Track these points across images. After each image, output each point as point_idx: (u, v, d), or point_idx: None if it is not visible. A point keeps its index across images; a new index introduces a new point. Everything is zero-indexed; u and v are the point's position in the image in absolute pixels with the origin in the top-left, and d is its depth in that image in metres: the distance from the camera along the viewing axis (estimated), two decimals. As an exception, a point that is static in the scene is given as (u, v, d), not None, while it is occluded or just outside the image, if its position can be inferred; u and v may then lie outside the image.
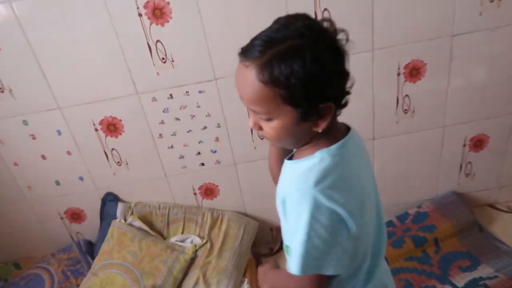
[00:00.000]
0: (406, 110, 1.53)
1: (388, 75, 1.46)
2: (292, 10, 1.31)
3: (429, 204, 1.72)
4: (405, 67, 1.44)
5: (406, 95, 1.50)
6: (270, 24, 0.68)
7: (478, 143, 1.64)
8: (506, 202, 1.79)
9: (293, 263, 0.72)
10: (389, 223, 1.69)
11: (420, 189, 1.73)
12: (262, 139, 0.74)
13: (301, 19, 0.66)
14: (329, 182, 0.68)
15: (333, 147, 0.71)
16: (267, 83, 0.64)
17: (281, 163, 0.82)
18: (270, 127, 0.70)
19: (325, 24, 0.67)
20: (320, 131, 0.70)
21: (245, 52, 0.66)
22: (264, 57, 0.64)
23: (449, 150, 1.64)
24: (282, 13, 1.31)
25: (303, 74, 0.63)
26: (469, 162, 1.69)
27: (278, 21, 0.68)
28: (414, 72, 1.46)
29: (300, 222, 0.68)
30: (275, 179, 0.85)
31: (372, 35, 1.37)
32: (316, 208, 0.67)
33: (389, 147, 1.60)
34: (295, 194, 0.71)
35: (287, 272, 0.75)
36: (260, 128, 0.72)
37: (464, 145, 1.64)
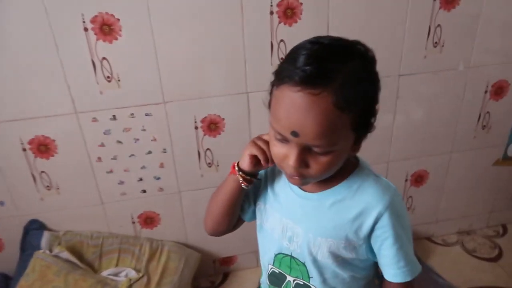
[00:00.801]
0: (354, 144, 1.55)
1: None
2: (248, 37, 1.30)
3: (372, 237, 1.74)
4: (355, 102, 1.47)
5: (355, 130, 1.53)
6: (321, 42, 0.62)
7: (419, 179, 1.71)
8: (442, 236, 1.88)
9: (410, 266, 0.73)
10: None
11: (364, 222, 1.75)
12: (301, 178, 0.65)
13: (355, 42, 0.64)
14: None
15: (362, 164, 0.75)
16: (344, 109, 0.59)
17: (235, 202, 0.80)
18: (325, 162, 0.64)
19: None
20: (354, 154, 0.71)
21: (312, 79, 0.58)
22: (339, 79, 0.59)
23: (392, 185, 1.69)
24: (239, 38, 1.29)
25: (373, 94, 0.64)
26: (410, 197, 1.75)
27: (333, 41, 0.63)
28: (363, 107, 1.49)
29: (405, 224, 0.72)
30: (214, 215, 0.83)
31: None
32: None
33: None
34: (395, 200, 0.71)
35: None
36: (307, 166, 0.65)
37: (406, 180, 1.70)
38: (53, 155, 1.37)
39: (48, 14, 1.16)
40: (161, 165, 1.46)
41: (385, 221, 0.70)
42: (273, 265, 0.82)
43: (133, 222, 1.57)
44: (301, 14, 1.28)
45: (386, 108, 1.51)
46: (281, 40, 1.31)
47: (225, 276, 1.74)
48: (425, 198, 1.76)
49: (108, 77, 1.27)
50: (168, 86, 1.32)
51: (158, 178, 1.49)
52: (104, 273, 1.50)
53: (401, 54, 1.42)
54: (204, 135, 1.43)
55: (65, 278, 1.40)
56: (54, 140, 1.34)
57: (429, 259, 1.75)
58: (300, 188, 0.76)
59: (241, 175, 0.75)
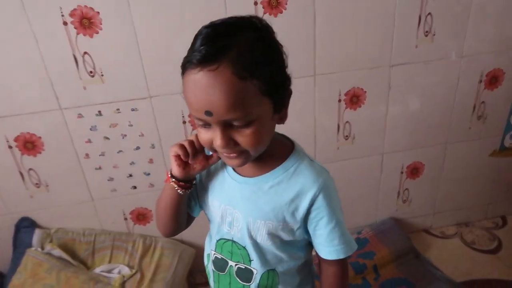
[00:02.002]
0: (347, 136, 1.53)
1: (329, 101, 1.45)
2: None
3: (368, 230, 1.72)
4: (346, 94, 1.45)
5: (347, 122, 1.50)
6: (214, 24, 0.65)
7: (414, 171, 1.68)
8: (440, 228, 1.85)
9: (344, 245, 0.77)
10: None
11: (360, 215, 1.73)
12: (237, 154, 0.64)
13: (247, 17, 0.67)
14: None
15: (297, 147, 0.77)
16: (245, 77, 0.61)
17: (178, 206, 0.80)
18: (250, 133, 0.65)
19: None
20: (284, 123, 0.72)
21: (207, 56, 0.60)
22: (233, 51, 0.61)
23: (387, 177, 1.67)
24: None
25: (274, 58, 0.66)
26: (406, 189, 1.72)
27: (225, 20, 0.66)
28: (354, 99, 1.46)
29: (338, 205, 0.77)
30: (162, 221, 0.84)
31: (314, 61, 1.36)
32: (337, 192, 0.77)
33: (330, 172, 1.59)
34: (329, 183, 0.74)
35: (334, 274, 0.81)
36: (236, 143, 0.66)
37: (402, 172, 1.67)
38: (40, 152, 1.36)
39: (25, 9, 1.15)
40: (150, 161, 1.45)
41: (319, 202, 0.74)
42: (215, 251, 0.84)
43: (125, 219, 1.56)
44: (286, 4, 1.25)
45: (378, 99, 1.48)
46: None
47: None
48: (422, 190, 1.73)
49: (91, 72, 1.25)
50: (153, 80, 1.30)
51: (148, 174, 1.47)
52: (97, 270, 1.49)
53: (392, 44, 1.39)
54: (193, 129, 1.41)
55: (57, 276, 1.40)
56: (40, 137, 1.33)
57: (427, 252, 1.72)
58: (237, 173, 0.77)
59: (174, 182, 0.76)
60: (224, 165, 0.80)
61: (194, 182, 0.80)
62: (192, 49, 0.63)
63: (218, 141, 0.65)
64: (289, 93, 0.71)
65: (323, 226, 0.76)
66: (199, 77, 0.60)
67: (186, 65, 0.63)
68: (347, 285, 0.85)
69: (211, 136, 0.67)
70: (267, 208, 0.75)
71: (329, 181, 0.75)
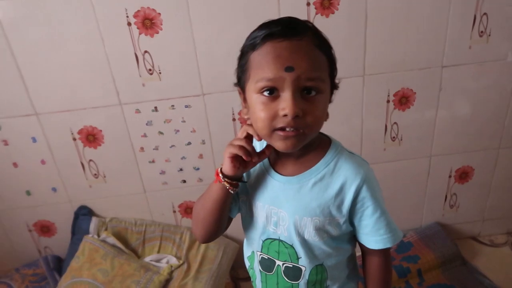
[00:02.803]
0: (394, 137, 1.52)
1: (377, 102, 1.45)
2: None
3: (413, 234, 1.69)
4: (394, 95, 1.44)
5: (395, 123, 1.49)
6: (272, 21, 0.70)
7: (463, 175, 1.63)
8: (489, 236, 1.79)
9: (391, 234, 0.78)
10: (373, 252, 1.65)
11: (405, 218, 1.70)
12: (292, 132, 0.68)
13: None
14: None
15: (334, 141, 0.79)
16: (321, 48, 0.69)
17: (225, 208, 0.79)
18: (319, 103, 0.69)
19: None
20: (327, 119, 0.74)
21: (292, 29, 0.67)
22: (310, 31, 0.69)
23: (434, 180, 1.63)
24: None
25: (331, 48, 0.72)
26: (454, 194, 1.68)
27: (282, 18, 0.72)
28: (403, 100, 1.45)
29: (380, 195, 0.78)
30: (205, 225, 0.81)
31: (364, 61, 1.37)
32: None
33: (375, 174, 1.57)
34: (370, 174, 0.76)
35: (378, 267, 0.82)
36: (304, 114, 0.67)
37: (450, 176, 1.63)
38: (100, 145, 1.45)
39: (94, 10, 1.24)
40: (200, 156, 1.50)
41: (363, 193, 0.75)
42: (261, 251, 0.83)
43: (174, 211, 1.62)
44: (338, 5, 1.27)
45: (428, 100, 1.46)
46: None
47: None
48: (471, 195, 1.68)
49: (150, 70, 1.33)
50: (207, 78, 1.36)
51: (198, 169, 1.53)
52: (147, 258, 1.56)
53: (444, 44, 1.37)
54: (242, 126, 1.45)
55: (111, 262, 1.48)
56: (101, 130, 1.42)
57: (475, 260, 1.67)
58: (279, 173, 0.78)
59: (226, 181, 0.75)
60: (264, 166, 0.80)
61: (244, 179, 0.80)
62: (268, 27, 0.68)
63: (289, 107, 0.65)
64: (336, 87, 0.75)
65: (369, 216, 0.77)
66: (285, 45, 0.66)
67: (266, 39, 0.67)
68: (391, 275, 0.86)
69: (277, 107, 0.67)
70: (313, 205, 0.75)
71: (370, 172, 0.77)
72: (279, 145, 0.70)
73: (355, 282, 0.90)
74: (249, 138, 0.75)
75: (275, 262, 0.82)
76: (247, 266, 0.92)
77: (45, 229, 1.62)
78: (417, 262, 1.58)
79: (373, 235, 0.78)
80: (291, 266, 0.81)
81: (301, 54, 0.66)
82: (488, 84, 1.45)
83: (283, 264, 0.81)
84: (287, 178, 0.77)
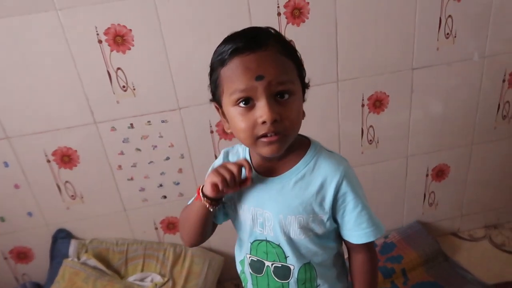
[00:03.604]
0: (370, 140, 1.55)
1: (353, 106, 1.47)
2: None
3: (395, 234, 1.72)
4: (369, 99, 1.47)
5: (371, 126, 1.52)
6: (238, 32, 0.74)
7: (440, 173, 1.67)
8: (468, 231, 1.83)
9: (373, 227, 0.80)
10: (357, 255, 1.66)
11: (386, 219, 1.72)
12: (274, 137, 0.70)
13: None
14: None
15: (313, 141, 0.82)
16: (287, 55, 0.72)
17: (207, 220, 0.82)
18: (293, 105, 0.71)
19: None
20: (304, 118, 0.76)
21: (256, 41, 0.69)
22: (273, 38, 0.72)
23: (412, 180, 1.67)
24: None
25: (296, 51, 0.75)
26: (432, 192, 1.71)
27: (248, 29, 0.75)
28: (377, 103, 1.48)
29: (361, 191, 0.80)
30: (189, 234, 0.86)
31: (337, 67, 1.39)
32: None
33: (355, 177, 1.60)
34: (349, 170, 0.78)
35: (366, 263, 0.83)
36: (282, 118, 0.70)
37: (427, 175, 1.67)
38: (76, 165, 1.42)
39: (63, 28, 1.22)
40: (180, 171, 1.49)
41: (344, 189, 0.77)
42: (250, 253, 0.86)
43: (156, 228, 1.60)
44: (308, 13, 1.29)
45: (401, 102, 1.50)
46: (290, 40, 1.30)
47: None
48: (448, 192, 1.72)
49: (124, 86, 1.31)
50: (182, 92, 1.35)
51: (178, 184, 1.51)
52: (130, 278, 1.53)
53: (413, 47, 1.40)
54: (220, 139, 1.45)
55: (94, 285, 1.44)
56: (76, 151, 1.39)
57: (456, 255, 1.70)
58: (261, 175, 0.80)
59: (206, 201, 0.78)
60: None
61: (224, 199, 0.83)
62: (232, 42, 0.70)
63: (266, 114, 0.68)
64: (307, 86, 0.78)
65: (350, 211, 0.79)
66: (250, 58, 0.68)
67: (232, 54, 0.69)
68: (377, 270, 0.87)
69: (254, 116, 0.70)
70: (296, 203, 0.77)
71: (350, 169, 0.79)
72: (265, 151, 0.73)
73: (345, 284, 0.91)
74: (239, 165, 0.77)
75: (264, 263, 0.84)
76: (238, 271, 0.93)
77: (22, 255, 1.57)
78: (400, 262, 1.60)
79: (355, 230, 0.80)
80: (280, 265, 0.83)
81: (268, 63, 0.69)
82: (457, 84, 1.50)
83: (272, 264, 0.84)
84: (269, 179, 0.79)
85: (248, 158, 0.83)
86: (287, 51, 0.72)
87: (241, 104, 0.70)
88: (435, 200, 1.74)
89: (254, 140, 0.72)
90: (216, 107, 0.79)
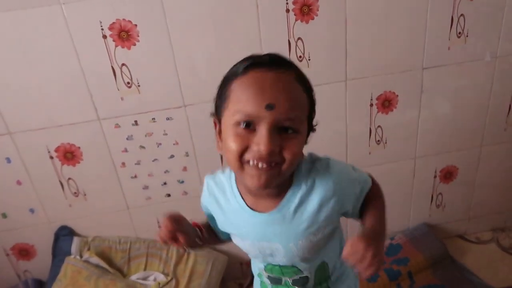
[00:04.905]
0: (378, 141, 1.52)
1: (361, 106, 1.45)
2: (266, 39, 1.30)
3: (402, 236, 1.70)
4: (377, 98, 1.44)
5: (379, 126, 1.49)
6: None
7: (448, 175, 1.65)
8: (475, 233, 1.81)
9: (364, 176, 0.82)
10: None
11: (392, 220, 1.68)
12: (266, 167, 0.65)
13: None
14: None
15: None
16: (304, 87, 0.68)
17: (197, 245, 0.82)
18: (296, 141, 0.67)
19: None
20: (302, 159, 0.74)
21: (276, 62, 0.67)
22: (294, 67, 0.69)
23: (420, 182, 1.64)
24: (256, 40, 1.29)
25: (313, 91, 0.72)
26: (440, 194, 1.69)
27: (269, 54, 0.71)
28: (386, 103, 1.45)
29: (350, 174, 0.79)
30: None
31: (346, 66, 1.36)
32: None
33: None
34: (338, 178, 0.75)
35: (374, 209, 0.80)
36: (281, 151, 0.65)
37: (435, 177, 1.64)
38: (79, 162, 1.40)
39: (67, 23, 1.20)
40: (184, 169, 1.47)
41: (342, 196, 0.75)
42: (265, 271, 0.87)
43: (159, 227, 1.58)
44: (317, 10, 1.26)
45: (410, 102, 1.47)
46: (299, 38, 1.29)
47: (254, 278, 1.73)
48: (456, 194, 1.70)
49: (128, 83, 1.29)
50: (188, 89, 1.33)
51: (182, 182, 1.49)
52: (133, 277, 1.52)
53: (424, 46, 1.37)
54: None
55: (96, 283, 1.43)
56: (79, 147, 1.37)
57: (463, 258, 1.68)
58: (257, 212, 0.76)
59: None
60: (239, 206, 0.78)
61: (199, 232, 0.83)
62: (252, 59, 0.68)
63: (264, 144, 0.63)
64: (313, 130, 0.75)
65: (355, 197, 0.79)
66: (267, 76, 0.65)
67: (250, 68, 0.66)
68: (383, 197, 0.86)
69: (251, 140, 0.65)
70: (302, 227, 0.75)
71: (337, 175, 0.75)
72: (251, 181, 0.67)
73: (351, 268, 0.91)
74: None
75: (282, 279, 0.86)
76: (255, 274, 0.96)
77: (24, 252, 1.55)
78: (407, 264, 1.58)
79: (361, 197, 0.81)
80: (298, 278, 0.84)
81: (283, 89, 0.65)
82: (468, 84, 1.47)
83: (290, 278, 0.85)
84: (267, 215, 0.76)
85: (235, 190, 0.78)
86: (305, 83, 0.69)
87: (242, 126, 0.65)
88: (442, 202, 1.71)
89: (240, 164, 0.67)
90: (214, 122, 0.75)
